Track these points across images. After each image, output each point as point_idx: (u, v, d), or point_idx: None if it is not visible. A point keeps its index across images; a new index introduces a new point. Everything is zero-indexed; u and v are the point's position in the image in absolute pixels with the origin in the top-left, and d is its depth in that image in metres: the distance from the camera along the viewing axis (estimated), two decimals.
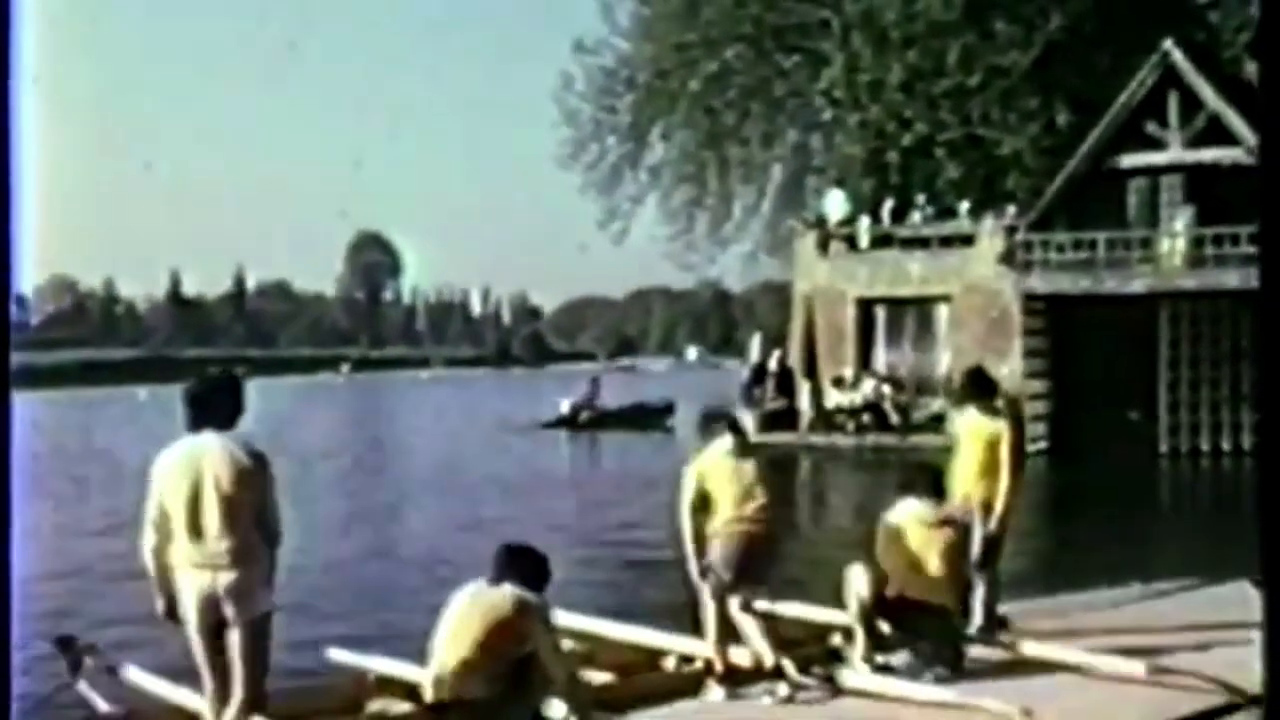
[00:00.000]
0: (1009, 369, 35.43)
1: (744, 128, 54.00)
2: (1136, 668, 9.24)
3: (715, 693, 9.35)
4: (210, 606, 7.48)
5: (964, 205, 42.40)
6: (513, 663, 7.81)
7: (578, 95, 55.54)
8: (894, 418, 40.10)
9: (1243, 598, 12.63)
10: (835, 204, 43.88)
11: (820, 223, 44.48)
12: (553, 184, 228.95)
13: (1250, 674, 9.25)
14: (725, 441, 9.59)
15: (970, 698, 8.82)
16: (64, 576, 18.25)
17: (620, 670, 9.76)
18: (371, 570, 20.22)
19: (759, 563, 9.55)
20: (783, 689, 9.23)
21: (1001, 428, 11.14)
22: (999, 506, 10.95)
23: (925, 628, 9.85)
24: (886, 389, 40.81)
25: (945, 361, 40.66)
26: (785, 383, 42.82)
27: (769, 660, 9.33)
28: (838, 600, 10.17)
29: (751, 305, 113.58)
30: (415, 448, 46.75)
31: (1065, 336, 37.30)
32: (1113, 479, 31.80)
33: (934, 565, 9.96)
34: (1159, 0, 45.97)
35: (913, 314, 42.16)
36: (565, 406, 53.84)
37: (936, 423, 38.21)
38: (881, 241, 42.49)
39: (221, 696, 7.65)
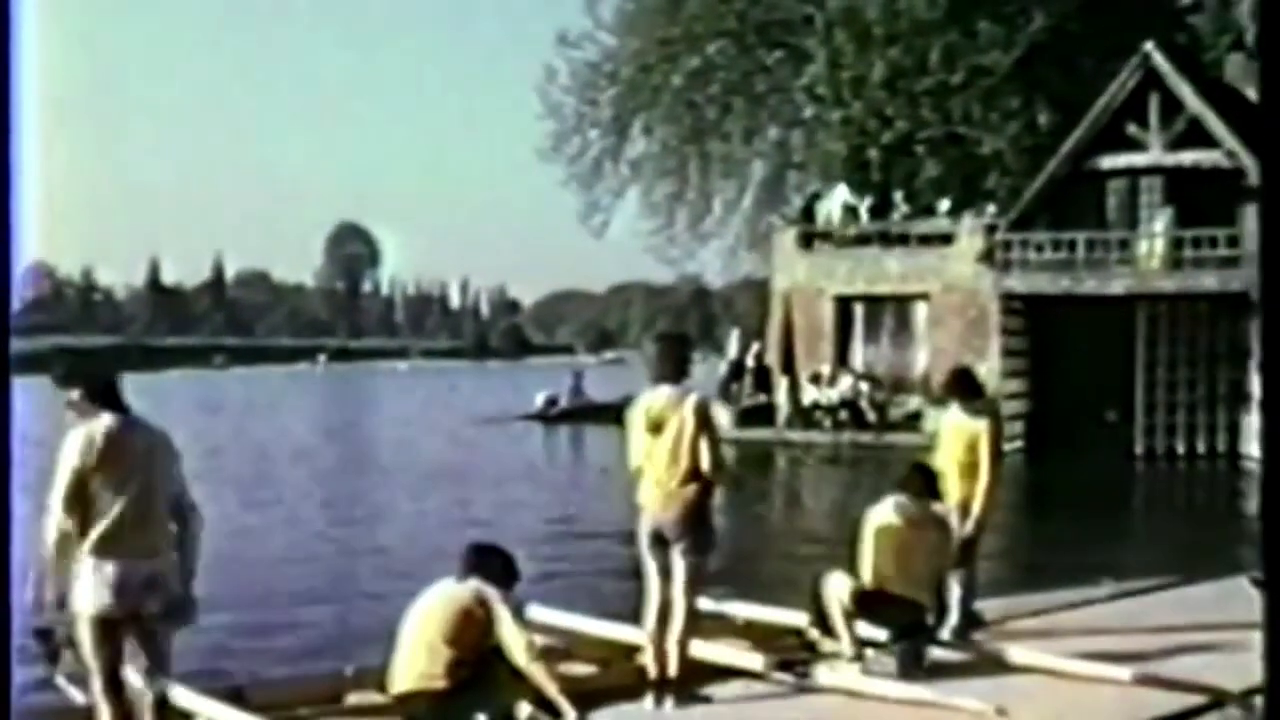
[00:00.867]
0: (987, 368, 35.46)
1: (726, 123, 54.07)
2: (1121, 674, 9.26)
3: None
4: (122, 596, 7.16)
5: (944, 204, 42.46)
6: (475, 656, 7.82)
7: (561, 88, 55.65)
8: (871, 415, 40.15)
9: (1216, 598, 12.71)
10: (839, 199, 43.57)
11: (803, 218, 44.53)
12: (534, 177, 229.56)
13: (1225, 674, 9.32)
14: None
15: (946, 697, 8.83)
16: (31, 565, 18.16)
17: (599, 664, 9.76)
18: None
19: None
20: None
21: (981, 428, 11.16)
22: (977, 506, 10.97)
23: (901, 620, 9.87)
24: (864, 386, 40.86)
25: (923, 360, 40.74)
26: (763, 379, 42.89)
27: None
28: (807, 603, 10.20)
29: (731, 301, 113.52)
30: (402, 440, 46.59)
31: (1043, 336, 37.35)
32: (1088, 479, 31.87)
33: (916, 562, 9.99)
34: (1141, 3, 46.07)
35: (891, 312, 42.19)
36: (540, 399, 53.88)
37: (913, 421, 38.35)
38: (861, 239, 42.54)
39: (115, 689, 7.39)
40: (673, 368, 9.19)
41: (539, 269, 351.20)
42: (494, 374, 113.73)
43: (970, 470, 11.03)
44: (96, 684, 7.37)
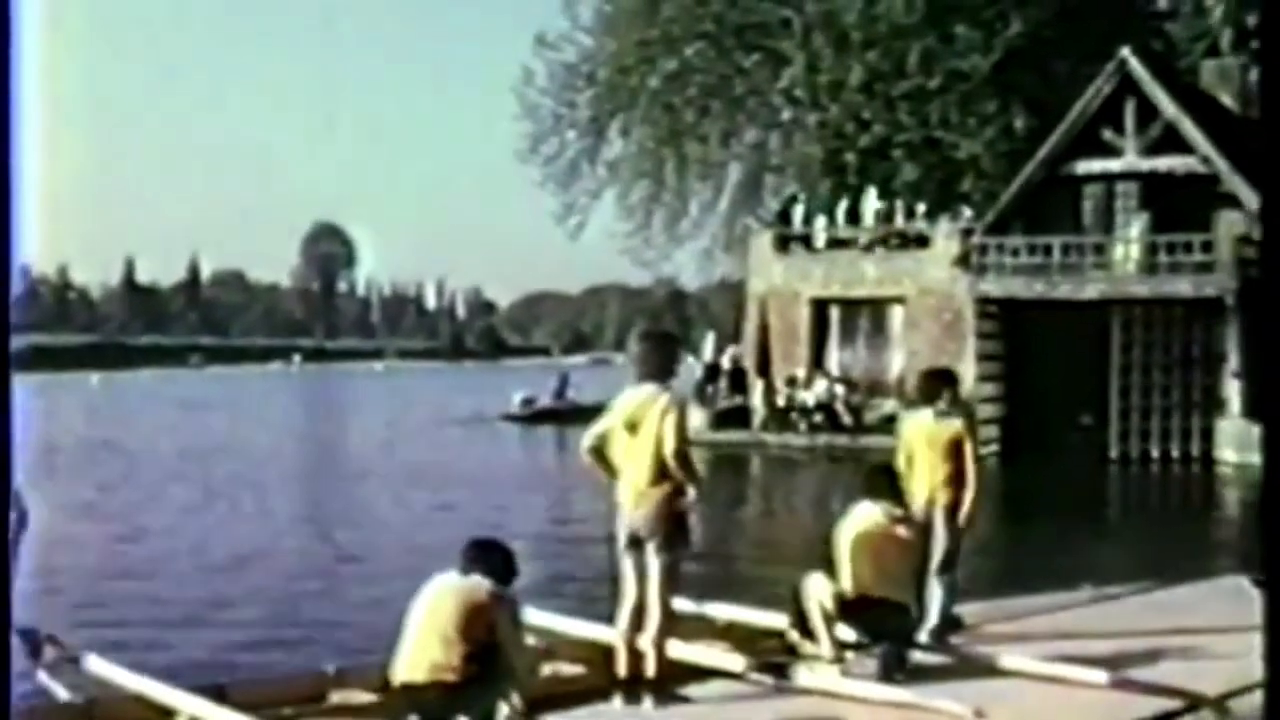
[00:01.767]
0: (962, 372, 35.55)
1: (703, 125, 54.11)
2: (1098, 677, 9.30)
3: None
4: None
5: (920, 207, 42.56)
6: (481, 650, 7.87)
7: (538, 89, 55.62)
8: (846, 418, 40.22)
9: (1192, 601, 12.78)
10: (870, 203, 43.41)
11: (780, 221, 44.62)
12: (511, 178, 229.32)
13: (1201, 678, 9.38)
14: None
15: (924, 698, 8.87)
16: None
17: (584, 664, 9.79)
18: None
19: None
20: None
21: (961, 430, 11.21)
22: (967, 508, 11.03)
23: (884, 624, 9.91)
24: (839, 389, 40.93)
25: (898, 363, 40.84)
26: (738, 381, 42.94)
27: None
28: (787, 605, 10.23)
29: (706, 303, 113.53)
30: (378, 440, 46.57)
31: (1019, 340, 37.44)
32: (1063, 483, 31.97)
33: (893, 564, 10.02)
34: (1117, 9, 46.28)
35: (867, 315, 42.29)
36: (517, 400, 53.92)
37: (889, 423, 38.22)
38: (837, 241, 42.62)
39: None
40: (658, 366, 9.19)
41: (515, 270, 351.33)
42: (470, 374, 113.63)
43: (954, 473, 11.08)
44: None
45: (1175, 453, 35.96)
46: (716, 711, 8.97)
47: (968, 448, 11.10)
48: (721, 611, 11.18)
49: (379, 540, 22.57)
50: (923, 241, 41.12)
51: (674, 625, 9.28)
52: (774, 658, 9.98)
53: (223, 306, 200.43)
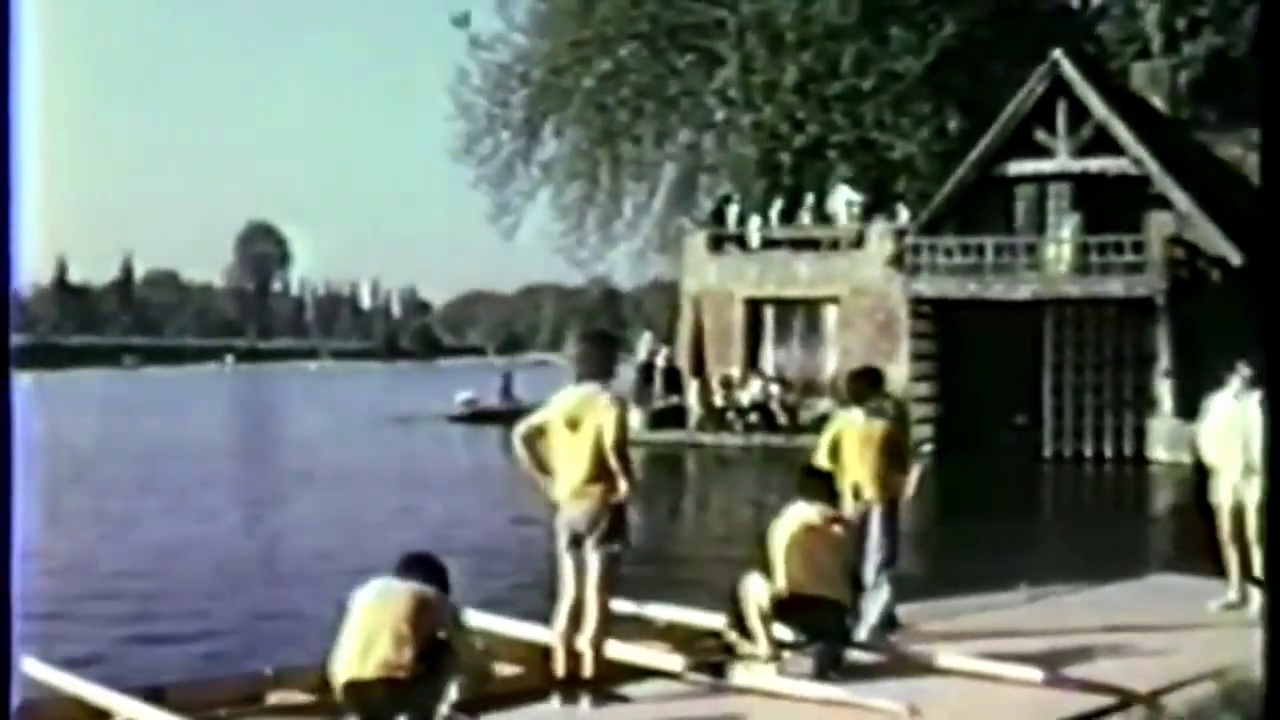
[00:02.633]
0: (896, 372, 35.69)
1: (637, 126, 54.17)
2: (1033, 675, 9.37)
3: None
4: None
5: (854, 195, 42.75)
6: (429, 648, 7.91)
7: (472, 89, 55.51)
8: (782, 418, 40.33)
9: (1126, 599, 12.90)
10: (842, 197, 43.43)
11: (714, 221, 44.73)
12: (445, 178, 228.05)
13: (1134, 675, 9.47)
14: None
15: (860, 697, 8.92)
16: None
17: (521, 664, 9.80)
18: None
19: None
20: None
21: (893, 427, 11.42)
22: (906, 496, 11.30)
23: (820, 622, 9.95)
24: (774, 389, 41.04)
25: (833, 363, 40.95)
26: (673, 381, 42.97)
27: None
28: (725, 606, 10.27)
29: (641, 303, 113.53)
30: (309, 441, 46.33)
31: (952, 340, 37.62)
32: (997, 482, 32.13)
33: (827, 563, 10.07)
34: (1050, 11, 46.58)
35: (801, 315, 42.43)
36: (459, 400, 53.78)
37: (823, 423, 38.39)
38: (771, 242, 42.75)
39: None
40: (598, 366, 9.26)
41: (449, 270, 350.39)
42: (405, 375, 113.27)
43: (878, 470, 11.24)
44: None
45: (1108, 452, 36.20)
46: (654, 711, 8.99)
47: (903, 441, 11.28)
48: (660, 612, 11.22)
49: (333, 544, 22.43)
50: (857, 242, 41.31)
51: (611, 625, 9.32)
52: (712, 657, 10.02)
53: (156, 306, 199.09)
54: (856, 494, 11.19)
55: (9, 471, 3.59)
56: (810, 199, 43.29)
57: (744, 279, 42.71)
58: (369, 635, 7.95)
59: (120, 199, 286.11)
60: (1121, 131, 36.87)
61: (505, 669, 9.58)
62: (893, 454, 11.38)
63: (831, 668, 9.73)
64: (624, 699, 9.13)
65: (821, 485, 10.56)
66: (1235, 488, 11.93)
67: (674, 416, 41.78)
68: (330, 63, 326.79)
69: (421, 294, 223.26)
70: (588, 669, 9.04)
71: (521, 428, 9.39)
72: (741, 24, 48.23)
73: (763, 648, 9.88)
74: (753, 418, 40.54)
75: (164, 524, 24.68)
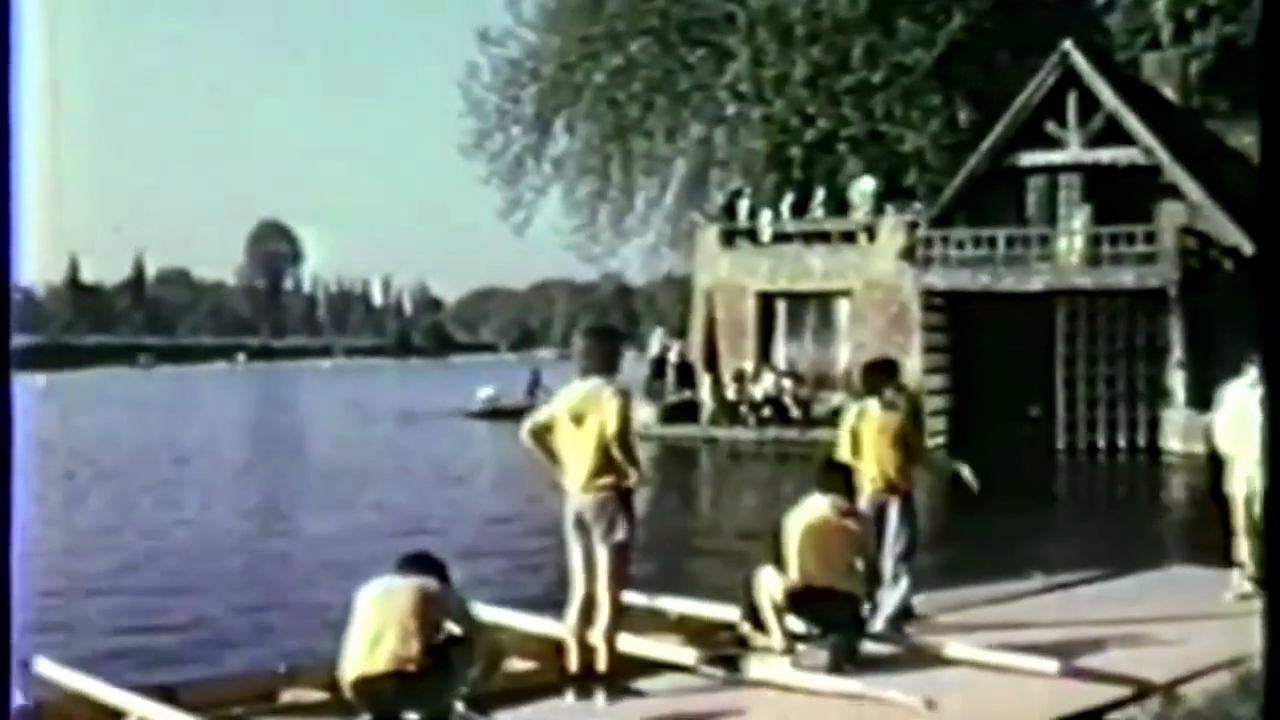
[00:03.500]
0: (909, 364, 35.64)
1: (648, 121, 54.07)
2: (1048, 666, 9.36)
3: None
4: None
5: (868, 183, 42.68)
6: (438, 642, 7.94)
7: (483, 85, 55.49)
8: (794, 411, 40.29)
9: (1140, 591, 12.89)
10: (864, 186, 43.28)
11: (726, 216, 44.70)
12: (456, 174, 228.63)
13: (1149, 666, 9.47)
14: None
15: (875, 689, 8.91)
16: None
17: (535, 659, 9.81)
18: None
19: None
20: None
21: (906, 420, 11.45)
22: (975, 489, 11.81)
23: (833, 615, 9.95)
24: (787, 383, 41.01)
25: (845, 356, 40.90)
26: (686, 375, 42.97)
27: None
28: (737, 598, 10.28)
29: (653, 298, 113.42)
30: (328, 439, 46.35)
31: (965, 332, 37.54)
32: (1011, 474, 32.04)
33: (841, 555, 10.08)
34: (1059, 2, 46.48)
35: (813, 308, 42.38)
36: (481, 396, 53.71)
37: (837, 416, 38.15)
38: (783, 236, 42.70)
39: None
40: (602, 361, 9.29)
41: (461, 266, 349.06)
42: (419, 372, 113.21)
43: (895, 462, 11.26)
44: None
45: (1121, 443, 36.10)
46: (668, 705, 8.99)
47: (917, 435, 11.31)
48: (673, 605, 11.23)
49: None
50: (869, 235, 41.26)
51: (624, 619, 9.33)
52: (725, 650, 10.03)
53: (168, 305, 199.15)
54: (879, 485, 11.21)
55: (9, 471, 3.58)
56: (821, 192, 43.19)
57: (756, 273, 42.67)
58: (376, 631, 7.97)
59: (131, 197, 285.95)
60: (1132, 122, 36.79)
61: (519, 664, 9.60)
62: (909, 445, 11.44)
63: (846, 660, 9.73)
64: (638, 693, 9.14)
65: (840, 478, 10.56)
66: (1250, 478, 11.91)
67: (687, 411, 41.77)
68: (341, 60, 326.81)
69: (433, 290, 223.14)
70: (601, 663, 9.06)
71: (528, 424, 9.44)
72: (751, 18, 48.14)
73: (776, 640, 9.88)
74: (765, 412, 40.50)
75: (200, 524, 24.71)
